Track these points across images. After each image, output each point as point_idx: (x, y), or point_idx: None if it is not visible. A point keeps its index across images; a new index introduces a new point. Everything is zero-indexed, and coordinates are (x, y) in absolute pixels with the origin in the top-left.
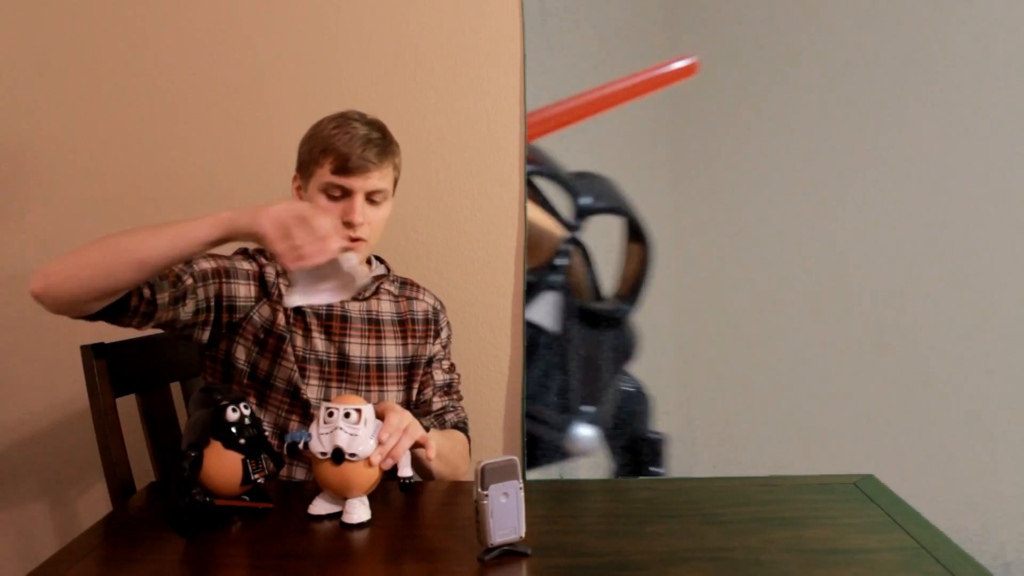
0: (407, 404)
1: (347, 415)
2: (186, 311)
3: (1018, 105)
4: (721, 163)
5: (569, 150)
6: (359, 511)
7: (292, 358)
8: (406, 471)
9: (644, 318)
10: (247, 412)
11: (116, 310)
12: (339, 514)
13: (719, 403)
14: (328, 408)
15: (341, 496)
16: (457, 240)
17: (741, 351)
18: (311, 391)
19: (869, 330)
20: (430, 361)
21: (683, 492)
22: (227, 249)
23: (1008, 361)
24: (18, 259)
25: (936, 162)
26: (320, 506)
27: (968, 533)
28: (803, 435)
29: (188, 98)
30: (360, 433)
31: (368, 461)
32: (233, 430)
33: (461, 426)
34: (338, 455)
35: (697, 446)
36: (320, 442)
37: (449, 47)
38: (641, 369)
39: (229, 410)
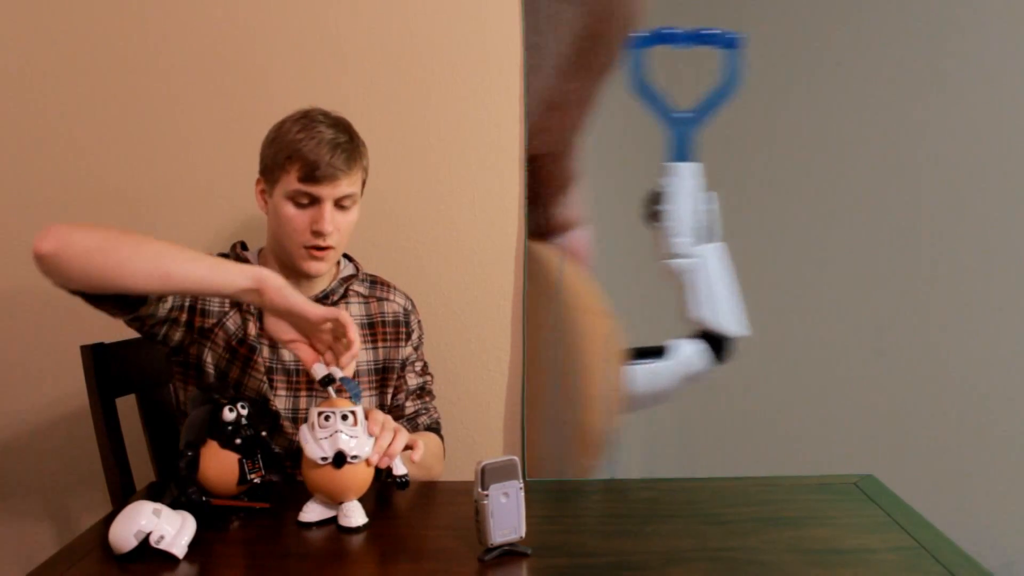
0: (381, 409)
1: (344, 417)
2: (164, 307)
3: (1019, 106)
4: (720, 163)
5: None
6: (357, 515)
7: (262, 369)
8: (400, 469)
9: (644, 318)
10: (244, 412)
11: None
12: (331, 520)
13: (719, 403)
14: (323, 412)
15: (337, 500)
16: (457, 240)
17: (741, 351)
18: (280, 402)
19: (869, 330)
20: (403, 365)
21: (683, 492)
22: (219, 247)
23: (1008, 361)
24: (17, 259)
25: (937, 161)
26: (313, 512)
27: (968, 533)
28: (803, 435)
29: (186, 98)
30: (360, 435)
31: (367, 462)
32: (229, 430)
33: (434, 427)
34: (340, 459)
35: (697, 446)
36: (320, 447)
37: (449, 47)
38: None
39: (226, 410)
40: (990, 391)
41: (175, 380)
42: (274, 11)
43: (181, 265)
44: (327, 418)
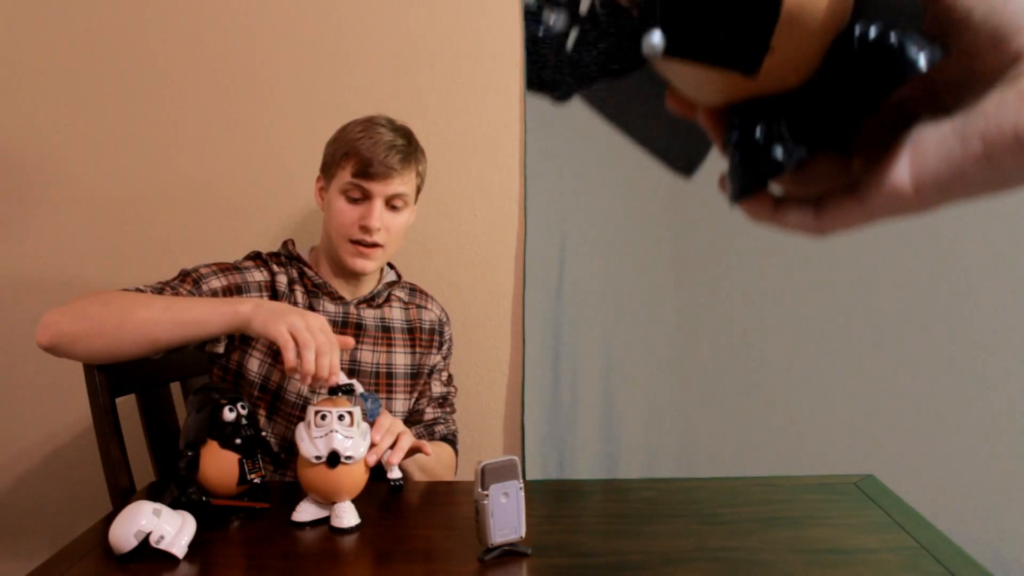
0: (408, 412)
1: (340, 417)
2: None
3: None
4: (719, 162)
5: (569, 150)
6: (349, 515)
7: None
8: (395, 473)
9: (642, 317)
10: (244, 412)
11: None
12: (325, 520)
13: (719, 403)
14: (319, 411)
15: (330, 500)
16: (457, 240)
17: (741, 351)
18: None
19: (869, 330)
20: (431, 372)
21: (683, 492)
22: (239, 252)
23: (1008, 360)
24: (19, 262)
25: None
26: (306, 512)
27: (968, 533)
28: (803, 435)
29: (189, 100)
30: (355, 436)
31: (366, 460)
32: (229, 430)
33: (450, 438)
34: (334, 458)
35: (697, 446)
36: (314, 445)
37: (449, 47)
38: (640, 369)
39: (226, 410)
40: (990, 391)
41: (212, 379)
42: (275, 12)
43: (163, 330)
44: (323, 417)
